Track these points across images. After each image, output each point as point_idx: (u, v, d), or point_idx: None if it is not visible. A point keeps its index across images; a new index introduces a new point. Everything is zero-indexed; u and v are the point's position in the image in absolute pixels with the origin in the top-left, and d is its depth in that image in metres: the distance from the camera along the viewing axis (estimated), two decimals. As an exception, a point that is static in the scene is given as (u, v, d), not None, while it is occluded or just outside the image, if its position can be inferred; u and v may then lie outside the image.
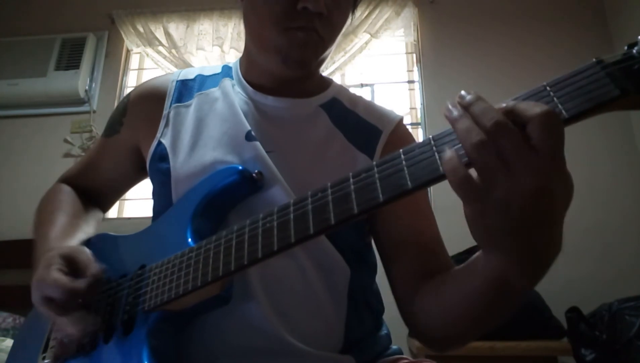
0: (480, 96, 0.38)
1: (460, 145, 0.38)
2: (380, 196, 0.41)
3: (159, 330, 0.56)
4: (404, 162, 0.41)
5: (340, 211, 0.43)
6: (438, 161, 0.39)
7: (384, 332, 0.74)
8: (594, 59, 0.36)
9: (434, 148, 0.40)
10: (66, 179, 0.87)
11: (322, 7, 0.65)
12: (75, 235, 0.74)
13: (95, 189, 0.85)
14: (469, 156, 0.36)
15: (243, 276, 0.61)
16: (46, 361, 0.64)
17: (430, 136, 0.41)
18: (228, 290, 0.57)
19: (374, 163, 0.43)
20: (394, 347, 0.74)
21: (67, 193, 0.83)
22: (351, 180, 0.44)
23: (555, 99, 0.37)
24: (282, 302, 0.62)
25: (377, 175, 0.42)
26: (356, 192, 0.43)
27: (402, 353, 0.73)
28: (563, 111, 0.36)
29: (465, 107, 0.38)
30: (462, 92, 0.39)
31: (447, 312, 0.57)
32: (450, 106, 0.39)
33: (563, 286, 1.90)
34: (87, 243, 0.75)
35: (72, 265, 0.61)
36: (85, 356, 0.60)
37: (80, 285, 0.58)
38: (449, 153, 0.38)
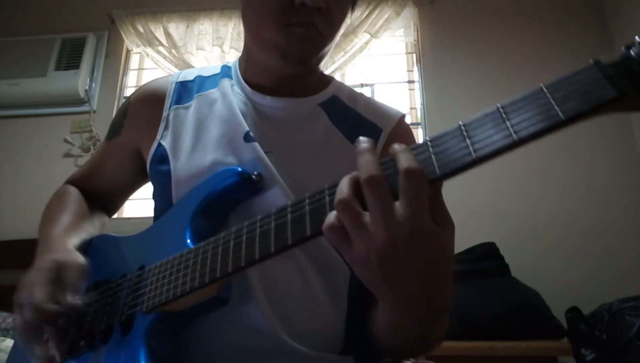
0: (367, 148, 0.42)
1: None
2: None
3: (157, 331, 0.56)
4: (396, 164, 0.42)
5: None
6: (435, 163, 0.39)
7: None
8: (591, 61, 0.36)
9: (430, 149, 0.40)
10: (72, 182, 0.88)
11: (321, 2, 0.65)
12: (78, 234, 0.74)
13: (100, 192, 0.86)
14: (337, 214, 0.41)
15: (242, 277, 0.61)
16: None
17: (427, 137, 0.42)
18: (226, 291, 0.57)
19: None
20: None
21: (72, 194, 0.83)
22: None
23: (552, 100, 0.36)
24: (281, 303, 0.62)
25: None
26: None
27: (402, 354, 0.73)
28: (560, 113, 0.35)
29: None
30: (360, 138, 0.44)
31: (377, 332, 0.59)
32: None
33: (563, 286, 1.90)
34: (89, 243, 0.75)
35: (62, 275, 0.61)
36: (83, 356, 0.60)
37: (51, 309, 0.58)
38: (330, 215, 0.41)
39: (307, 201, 0.46)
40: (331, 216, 0.41)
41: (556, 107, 0.36)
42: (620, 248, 2.03)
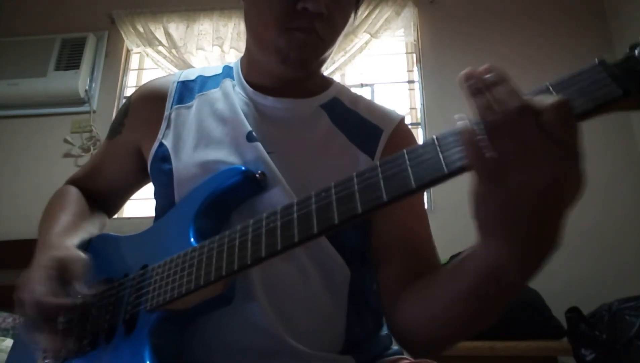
0: (504, 77, 0.37)
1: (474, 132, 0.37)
2: (384, 195, 0.41)
3: (160, 330, 0.56)
4: (407, 162, 0.41)
5: (344, 210, 0.43)
6: (442, 161, 0.39)
7: (384, 332, 0.74)
8: (596, 60, 0.36)
9: (438, 148, 0.40)
10: (73, 182, 0.88)
11: (322, 8, 0.65)
12: (77, 233, 0.74)
13: (100, 192, 0.85)
14: (489, 135, 0.36)
15: (244, 277, 0.61)
16: (47, 360, 0.63)
17: (434, 136, 0.41)
18: (231, 289, 0.57)
19: (378, 162, 0.44)
20: (394, 347, 0.74)
21: (73, 194, 0.83)
22: (355, 180, 0.44)
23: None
24: (282, 303, 0.62)
25: (380, 175, 0.42)
26: (360, 192, 0.43)
27: (402, 354, 0.73)
28: None
29: (488, 84, 0.37)
30: (485, 67, 0.38)
31: (435, 316, 0.56)
32: (468, 75, 0.38)
33: (563, 286, 1.90)
34: (88, 243, 0.75)
35: (63, 272, 0.61)
36: (87, 355, 0.60)
37: (52, 302, 0.58)
38: (462, 124, 0.37)
39: (313, 199, 0.46)
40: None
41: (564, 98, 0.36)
42: (620, 248, 2.03)
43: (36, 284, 0.60)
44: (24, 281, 0.62)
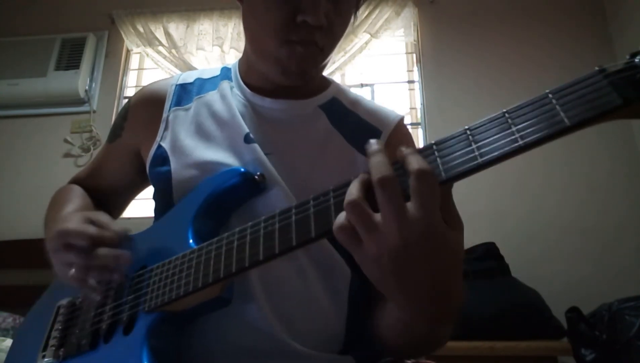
0: (379, 150, 0.41)
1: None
2: None
3: (159, 331, 0.56)
4: (402, 168, 0.42)
5: None
6: (441, 167, 0.40)
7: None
8: (596, 68, 0.36)
9: (436, 153, 0.40)
10: (75, 182, 0.88)
11: (322, 20, 0.64)
12: None
13: (101, 194, 0.86)
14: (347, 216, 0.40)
15: (243, 278, 0.61)
16: (46, 360, 0.64)
17: (433, 141, 0.42)
18: (229, 291, 0.57)
19: None
20: (394, 347, 0.74)
21: (77, 190, 0.84)
22: None
23: (557, 106, 0.37)
24: (282, 304, 0.62)
25: None
26: None
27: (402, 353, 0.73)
28: (565, 119, 0.36)
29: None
30: (370, 140, 0.43)
31: (384, 330, 0.59)
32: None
33: (563, 286, 1.90)
34: None
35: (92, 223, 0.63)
36: (85, 355, 0.61)
37: (107, 234, 0.61)
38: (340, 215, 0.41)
39: (311, 202, 0.46)
40: (341, 217, 0.41)
41: (562, 114, 0.36)
42: (620, 248, 2.03)
43: (80, 225, 0.62)
44: (60, 230, 0.62)
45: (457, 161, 0.39)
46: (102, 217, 0.65)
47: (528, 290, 1.70)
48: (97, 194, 0.85)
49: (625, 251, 2.03)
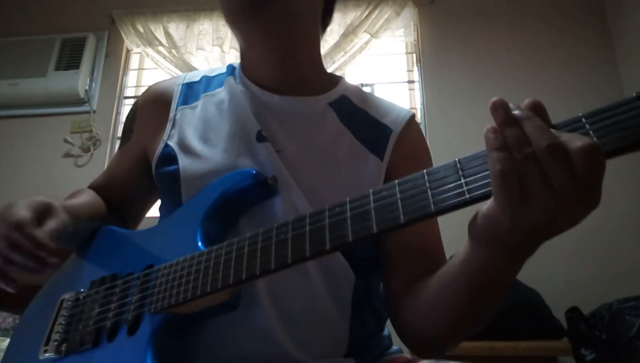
0: (534, 114, 0.38)
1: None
2: (402, 217, 0.40)
3: (164, 333, 0.56)
4: (427, 184, 0.40)
5: (358, 228, 0.43)
6: (464, 186, 0.39)
7: (385, 333, 0.74)
8: (634, 94, 0.35)
9: (460, 172, 0.39)
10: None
11: None
12: (85, 211, 0.74)
13: (117, 201, 0.83)
14: (516, 166, 0.36)
15: (249, 283, 0.61)
16: (48, 354, 0.63)
17: (456, 159, 0.40)
18: (237, 296, 0.56)
19: (396, 181, 0.43)
20: (394, 347, 0.74)
21: (90, 192, 0.82)
22: (371, 197, 0.43)
23: (590, 132, 0.35)
24: (287, 309, 0.62)
25: (398, 194, 0.41)
26: (376, 210, 0.42)
27: (402, 352, 0.73)
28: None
29: (517, 119, 0.37)
30: (512, 104, 0.38)
31: (435, 308, 0.57)
32: (497, 107, 0.38)
33: (563, 286, 1.90)
34: (94, 233, 0.75)
35: (43, 213, 0.64)
36: (87, 353, 0.60)
37: (37, 233, 0.60)
38: (495, 154, 0.37)
39: (327, 213, 0.45)
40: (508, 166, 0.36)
41: (595, 140, 0.35)
42: (621, 248, 2.03)
43: (17, 208, 0.63)
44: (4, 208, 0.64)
45: (481, 182, 0.39)
46: (56, 214, 0.65)
47: (528, 290, 1.70)
48: (114, 202, 0.83)
49: (625, 251, 2.03)
